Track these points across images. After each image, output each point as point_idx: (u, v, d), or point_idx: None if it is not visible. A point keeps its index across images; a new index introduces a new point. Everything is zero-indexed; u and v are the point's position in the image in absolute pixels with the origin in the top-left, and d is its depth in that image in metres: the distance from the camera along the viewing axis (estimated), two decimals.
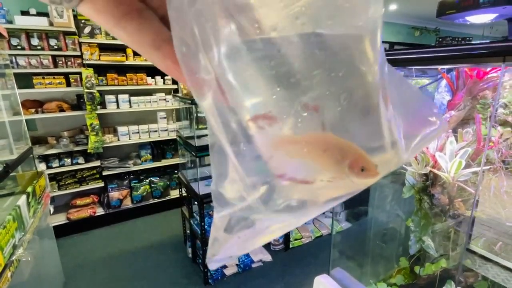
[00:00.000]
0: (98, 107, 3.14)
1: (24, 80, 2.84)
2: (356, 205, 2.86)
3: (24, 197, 1.48)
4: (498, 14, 0.75)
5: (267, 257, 2.67)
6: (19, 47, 2.76)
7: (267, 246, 2.84)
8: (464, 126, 0.86)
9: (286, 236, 2.82)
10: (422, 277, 1.01)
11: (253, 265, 2.59)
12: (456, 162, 0.67)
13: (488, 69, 0.75)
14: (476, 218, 1.09)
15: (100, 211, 3.30)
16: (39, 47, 2.83)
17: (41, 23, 2.77)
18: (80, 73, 3.00)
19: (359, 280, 1.13)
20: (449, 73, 0.83)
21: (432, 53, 0.60)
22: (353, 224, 2.96)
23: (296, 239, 2.91)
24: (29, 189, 1.57)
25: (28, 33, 2.78)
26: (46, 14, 2.85)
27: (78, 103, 3.17)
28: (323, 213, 3.39)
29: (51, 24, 2.82)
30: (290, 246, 2.86)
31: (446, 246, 1.06)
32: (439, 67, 0.75)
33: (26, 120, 2.16)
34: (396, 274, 1.14)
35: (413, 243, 0.98)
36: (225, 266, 2.48)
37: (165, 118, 3.59)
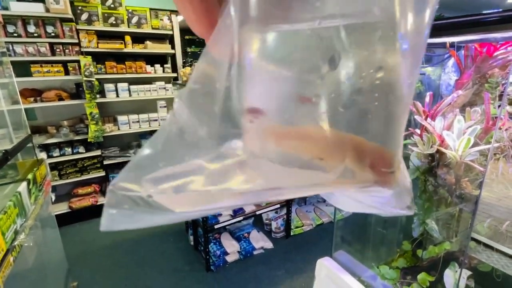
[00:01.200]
0: (98, 95, 3.11)
1: (22, 69, 2.81)
2: None
3: (24, 183, 1.47)
4: None
5: (269, 244, 2.69)
6: (15, 35, 2.71)
7: (268, 234, 2.85)
8: (472, 107, 0.83)
9: (287, 224, 2.83)
10: (424, 260, 1.00)
11: (255, 252, 2.61)
12: (464, 140, 0.65)
13: (499, 45, 0.73)
14: (481, 200, 1.08)
15: (102, 200, 3.31)
16: (35, 34, 2.78)
17: (37, 9, 2.71)
18: (78, 61, 2.96)
19: (362, 263, 1.13)
20: (458, 51, 0.80)
21: (443, 24, 0.57)
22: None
23: (297, 227, 2.93)
24: (30, 176, 1.56)
25: (24, 20, 2.73)
26: (42, 0, 2.79)
27: (77, 92, 3.14)
28: (324, 201, 3.39)
29: (47, 10, 2.77)
30: (291, 233, 2.88)
31: (449, 230, 1.05)
32: (449, 40, 0.72)
33: (25, 109, 2.14)
34: (398, 258, 1.14)
35: (416, 225, 0.97)
36: (226, 253, 2.50)
37: (165, 107, 3.56)
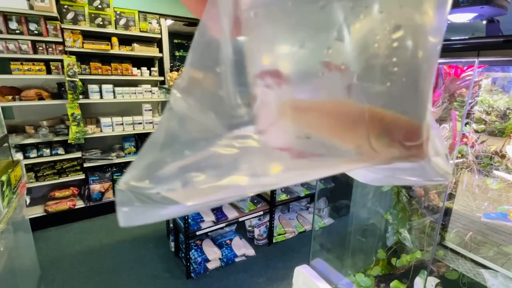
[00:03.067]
0: (80, 96, 3.04)
1: (1, 65, 2.71)
2: (339, 202, 2.92)
3: None
4: (477, 14, 0.78)
5: (251, 252, 2.69)
6: None
7: (251, 241, 2.85)
8: (441, 124, 0.89)
9: (270, 231, 2.85)
10: (398, 268, 1.04)
11: (236, 260, 2.60)
12: None
13: (466, 67, 0.79)
14: (452, 211, 1.14)
15: (80, 204, 3.21)
16: (17, 31, 2.70)
17: (20, 5, 2.64)
18: (61, 61, 2.89)
19: (339, 271, 1.16)
20: None
21: None
22: (336, 220, 3.02)
23: (279, 234, 2.94)
24: (4, 178, 1.50)
25: (6, 16, 2.65)
26: None
27: (59, 92, 3.06)
28: (307, 209, 3.44)
29: (31, 7, 2.70)
30: (274, 241, 2.89)
31: (421, 239, 1.10)
32: None
33: (2, 108, 2.06)
34: (374, 266, 1.17)
35: (391, 235, 1.01)
36: (208, 260, 2.47)
37: (150, 110, 3.52)
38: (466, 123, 0.83)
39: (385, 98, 0.14)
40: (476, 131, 0.79)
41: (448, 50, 0.57)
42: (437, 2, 0.14)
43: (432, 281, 0.84)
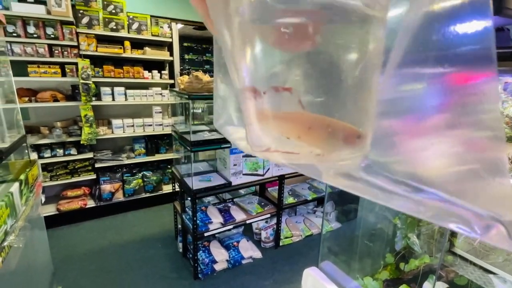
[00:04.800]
0: (93, 98, 3.12)
1: (19, 68, 2.81)
2: (347, 206, 2.91)
3: (16, 184, 1.47)
4: None
5: (257, 254, 2.70)
6: (14, 34, 2.72)
7: (258, 244, 2.87)
8: None
9: (277, 234, 2.86)
10: (407, 273, 1.05)
11: (243, 262, 2.62)
12: None
13: None
14: None
15: (91, 203, 3.28)
16: (35, 35, 2.80)
17: (38, 11, 2.74)
18: (76, 64, 2.97)
19: (347, 274, 1.17)
20: None
21: None
22: (343, 224, 3.01)
23: (286, 237, 2.95)
24: (22, 177, 1.56)
25: (25, 21, 2.75)
26: (43, 2, 2.82)
27: (73, 94, 3.14)
28: (314, 213, 3.43)
29: (48, 12, 2.80)
30: (280, 244, 2.89)
31: (430, 245, 1.11)
32: None
33: (19, 109, 2.14)
34: (382, 270, 1.18)
35: (399, 239, 1.02)
36: (215, 262, 2.50)
37: (160, 112, 3.59)
38: None
39: (327, 108, 0.18)
40: None
41: None
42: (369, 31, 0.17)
43: (441, 286, 0.84)
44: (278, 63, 0.18)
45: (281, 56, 0.18)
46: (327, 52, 0.18)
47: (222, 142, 2.32)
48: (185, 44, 5.60)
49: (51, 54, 2.90)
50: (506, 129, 0.79)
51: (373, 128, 0.19)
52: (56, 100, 3.02)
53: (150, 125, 3.51)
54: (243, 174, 2.49)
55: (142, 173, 3.54)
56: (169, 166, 3.72)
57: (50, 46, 2.88)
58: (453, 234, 1.26)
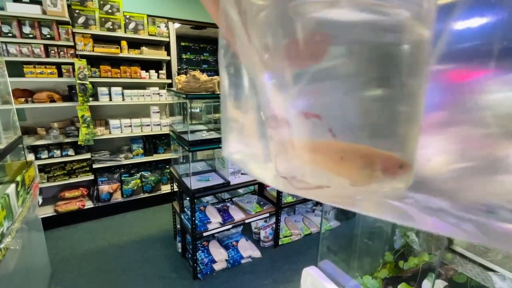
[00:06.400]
0: (90, 99, 3.11)
1: (14, 69, 2.78)
2: None
3: (13, 185, 1.46)
4: None
5: (257, 253, 2.70)
6: (10, 35, 2.70)
7: (257, 243, 2.86)
8: None
9: (276, 233, 2.85)
10: (406, 271, 1.05)
11: (243, 261, 2.61)
12: None
13: None
14: None
15: (89, 204, 3.27)
16: (31, 36, 2.77)
17: (33, 11, 2.72)
18: (72, 64, 2.96)
19: (346, 273, 1.17)
20: None
21: None
22: (342, 222, 3.01)
23: (285, 236, 2.95)
24: (18, 178, 1.55)
25: (20, 21, 2.72)
26: (39, 2, 2.80)
27: (69, 94, 3.12)
28: (313, 212, 3.44)
29: (44, 12, 2.77)
30: (280, 243, 2.89)
31: (429, 242, 1.10)
32: None
33: (15, 110, 2.12)
34: (382, 269, 1.18)
35: (398, 237, 1.02)
36: (214, 261, 2.49)
37: (158, 112, 3.57)
38: None
39: (363, 138, 0.16)
40: None
41: None
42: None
43: (440, 284, 0.84)
44: (305, 86, 0.17)
45: (309, 78, 0.16)
46: (358, 73, 0.16)
47: (220, 142, 2.31)
48: (183, 43, 5.58)
49: (47, 55, 2.88)
50: None
51: (416, 154, 0.17)
52: (52, 100, 3.01)
53: (148, 125, 3.50)
54: (242, 174, 2.48)
55: (140, 173, 3.53)
56: (167, 166, 3.71)
57: (46, 46, 2.86)
58: None
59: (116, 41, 3.26)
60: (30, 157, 2.82)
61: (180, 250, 2.71)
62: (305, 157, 0.17)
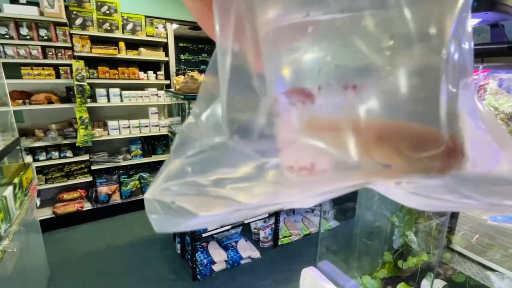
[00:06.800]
0: (88, 100, 3.10)
1: (12, 70, 2.77)
2: (345, 204, 2.91)
3: (10, 188, 1.45)
4: (481, 20, 0.79)
5: (256, 254, 2.70)
6: (7, 36, 2.69)
7: (256, 243, 2.86)
8: None
9: (275, 234, 2.85)
10: (405, 271, 1.05)
11: (242, 262, 2.61)
12: None
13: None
14: (459, 214, 1.14)
15: (87, 206, 3.26)
16: (28, 37, 2.76)
17: (31, 12, 2.71)
18: (70, 65, 2.95)
19: (345, 274, 1.16)
20: None
21: None
22: (342, 222, 3.02)
23: (285, 237, 2.95)
24: (16, 180, 1.54)
25: (17, 22, 2.71)
26: (36, 4, 2.79)
27: (67, 96, 3.11)
28: (312, 211, 3.44)
29: (41, 14, 2.76)
30: (279, 243, 2.89)
31: (428, 242, 1.10)
32: None
33: (13, 112, 2.11)
34: (381, 269, 1.18)
35: (397, 237, 1.02)
36: (213, 262, 2.49)
37: (156, 113, 3.57)
38: None
39: (403, 110, 0.13)
40: None
41: None
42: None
43: (439, 283, 0.84)
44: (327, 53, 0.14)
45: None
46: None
47: None
48: (181, 44, 5.58)
49: (45, 56, 2.87)
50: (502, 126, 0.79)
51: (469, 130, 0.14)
52: (50, 102, 2.99)
53: (146, 126, 3.49)
54: None
55: (139, 174, 3.52)
56: None
57: (43, 48, 2.85)
58: (451, 231, 1.26)
59: (114, 42, 3.25)
60: (28, 159, 2.81)
61: (179, 251, 2.70)
62: (334, 139, 0.14)
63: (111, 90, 3.24)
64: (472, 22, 0.77)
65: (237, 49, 0.16)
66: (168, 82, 3.67)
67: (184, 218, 0.17)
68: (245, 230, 2.99)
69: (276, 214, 2.79)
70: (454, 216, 1.32)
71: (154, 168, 3.72)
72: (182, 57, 5.68)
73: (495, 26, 0.83)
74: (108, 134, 3.30)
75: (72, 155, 3.12)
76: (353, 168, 0.14)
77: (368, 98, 0.13)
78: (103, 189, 3.31)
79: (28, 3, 2.81)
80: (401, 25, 0.13)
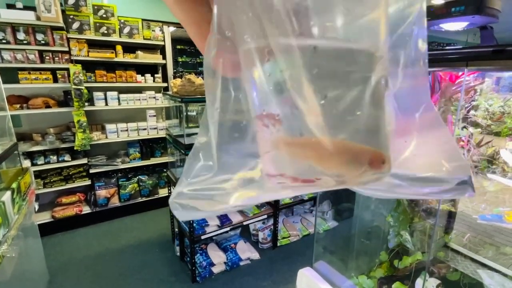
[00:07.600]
0: (86, 104, 3.10)
1: (9, 75, 2.78)
2: (343, 205, 2.92)
3: (8, 193, 1.46)
4: (469, 23, 0.80)
5: (255, 255, 2.70)
6: (4, 41, 2.69)
7: (255, 245, 2.87)
8: None
9: (274, 235, 2.86)
10: (401, 270, 1.06)
11: (241, 263, 2.61)
12: None
13: (460, 73, 0.81)
14: (454, 213, 1.15)
15: (86, 210, 3.26)
16: (25, 42, 2.77)
17: (27, 17, 2.72)
18: (67, 69, 2.95)
19: (342, 274, 1.17)
20: None
21: None
22: (340, 222, 3.03)
23: (284, 237, 2.95)
24: (14, 185, 1.55)
25: (14, 27, 2.72)
26: (33, 8, 2.79)
27: (65, 100, 3.12)
28: (311, 212, 3.45)
29: (38, 18, 2.77)
30: (278, 244, 2.90)
31: (423, 241, 1.12)
32: None
33: (10, 116, 2.12)
34: (377, 268, 1.19)
35: (392, 237, 1.03)
36: (213, 264, 2.49)
37: (154, 116, 3.58)
38: (463, 127, 0.85)
39: (350, 134, 0.17)
40: (481, 133, 0.81)
41: (439, 60, 0.60)
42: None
43: (433, 282, 0.85)
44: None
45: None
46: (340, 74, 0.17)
47: None
48: (178, 46, 5.58)
49: (42, 60, 2.88)
50: (492, 125, 0.81)
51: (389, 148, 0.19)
52: (48, 106, 3.00)
53: (145, 129, 3.50)
54: None
55: (137, 177, 3.52)
56: (164, 170, 3.71)
57: (40, 52, 2.85)
58: (446, 230, 1.28)
59: (111, 45, 3.26)
60: (26, 163, 2.81)
61: (178, 254, 2.71)
62: (296, 153, 0.18)
63: (109, 93, 3.25)
64: (460, 25, 0.79)
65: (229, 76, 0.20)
66: (165, 84, 3.68)
67: (194, 212, 0.24)
68: (244, 231, 3.00)
69: (275, 215, 2.80)
70: (451, 216, 1.33)
71: (152, 170, 3.73)
72: (179, 59, 5.69)
73: (484, 28, 0.85)
74: (106, 137, 3.31)
75: (70, 159, 3.12)
76: (316, 176, 0.18)
77: (321, 123, 0.17)
78: (101, 193, 3.31)
79: (25, 8, 2.82)
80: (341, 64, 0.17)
